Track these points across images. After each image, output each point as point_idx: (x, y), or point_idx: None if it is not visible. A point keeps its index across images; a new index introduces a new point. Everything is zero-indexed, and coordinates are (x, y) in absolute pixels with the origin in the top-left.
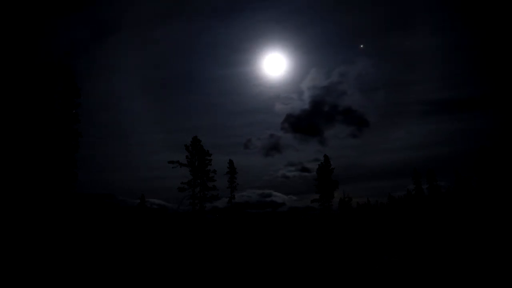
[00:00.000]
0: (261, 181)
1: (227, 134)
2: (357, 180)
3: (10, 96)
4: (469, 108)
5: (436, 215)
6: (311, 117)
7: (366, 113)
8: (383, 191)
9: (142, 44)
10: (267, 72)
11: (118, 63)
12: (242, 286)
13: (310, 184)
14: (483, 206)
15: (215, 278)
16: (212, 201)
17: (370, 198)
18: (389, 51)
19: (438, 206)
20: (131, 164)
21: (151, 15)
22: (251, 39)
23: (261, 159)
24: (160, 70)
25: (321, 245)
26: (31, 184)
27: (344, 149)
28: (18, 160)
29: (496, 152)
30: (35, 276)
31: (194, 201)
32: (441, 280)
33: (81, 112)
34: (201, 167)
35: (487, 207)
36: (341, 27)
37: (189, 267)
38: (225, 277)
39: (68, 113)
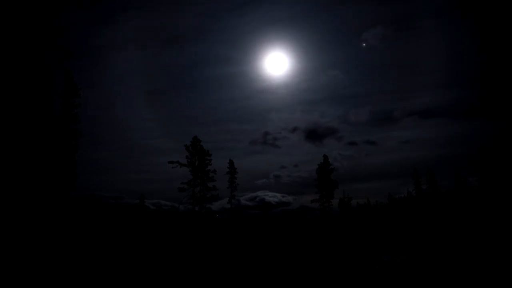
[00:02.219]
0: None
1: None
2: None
3: (10, 97)
4: (468, 113)
5: (436, 215)
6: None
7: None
8: (382, 191)
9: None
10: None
11: (119, 67)
12: (244, 286)
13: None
14: (483, 206)
15: (218, 277)
16: (212, 201)
17: (370, 199)
18: (391, 54)
19: (438, 206)
20: (129, 165)
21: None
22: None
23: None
24: (159, 72)
25: (321, 245)
26: (32, 184)
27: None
28: (18, 160)
29: (496, 152)
30: (36, 275)
31: (194, 201)
32: (441, 280)
33: (88, 120)
34: (201, 167)
35: (487, 207)
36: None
37: (190, 266)
38: (227, 276)
39: (68, 113)
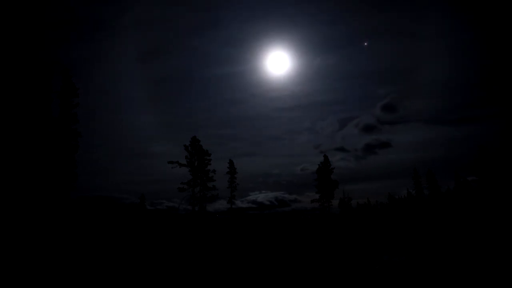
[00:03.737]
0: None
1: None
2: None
3: (9, 97)
4: (467, 118)
5: (436, 215)
6: None
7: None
8: (383, 192)
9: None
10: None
11: (120, 67)
12: (244, 285)
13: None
14: (483, 205)
15: (217, 277)
16: (212, 201)
17: (370, 199)
18: (392, 57)
19: (438, 206)
20: (129, 165)
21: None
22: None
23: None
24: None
25: (321, 245)
26: (31, 185)
27: None
28: (18, 160)
29: (496, 151)
30: (36, 276)
31: (194, 201)
32: (442, 280)
33: (88, 120)
34: (200, 167)
35: (487, 207)
36: (345, 27)
37: (190, 266)
38: (226, 276)
39: (67, 113)
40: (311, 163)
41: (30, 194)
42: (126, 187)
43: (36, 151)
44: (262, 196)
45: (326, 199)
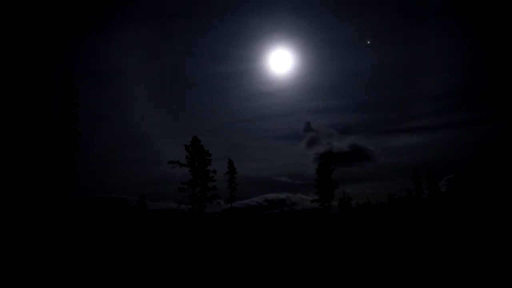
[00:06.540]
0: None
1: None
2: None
3: (10, 97)
4: (466, 120)
5: (436, 215)
6: None
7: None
8: (383, 191)
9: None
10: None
11: (121, 67)
12: (241, 286)
13: None
14: (483, 205)
15: (216, 277)
16: (212, 201)
17: (370, 199)
18: (394, 61)
19: (437, 206)
20: (129, 165)
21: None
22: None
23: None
24: (165, 72)
25: (322, 245)
26: (32, 184)
27: None
28: (18, 161)
29: (495, 151)
30: (35, 277)
31: (194, 201)
32: (442, 280)
33: (88, 120)
34: (201, 167)
35: (487, 207)
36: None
37: (190, 266)
38: (223, 276)
39: (67, 113)
40: (286, 167)
41: (31, 194)
42: (126, 187)
43: (36, 151)
44: (268, 196)
45: (326, 199)
